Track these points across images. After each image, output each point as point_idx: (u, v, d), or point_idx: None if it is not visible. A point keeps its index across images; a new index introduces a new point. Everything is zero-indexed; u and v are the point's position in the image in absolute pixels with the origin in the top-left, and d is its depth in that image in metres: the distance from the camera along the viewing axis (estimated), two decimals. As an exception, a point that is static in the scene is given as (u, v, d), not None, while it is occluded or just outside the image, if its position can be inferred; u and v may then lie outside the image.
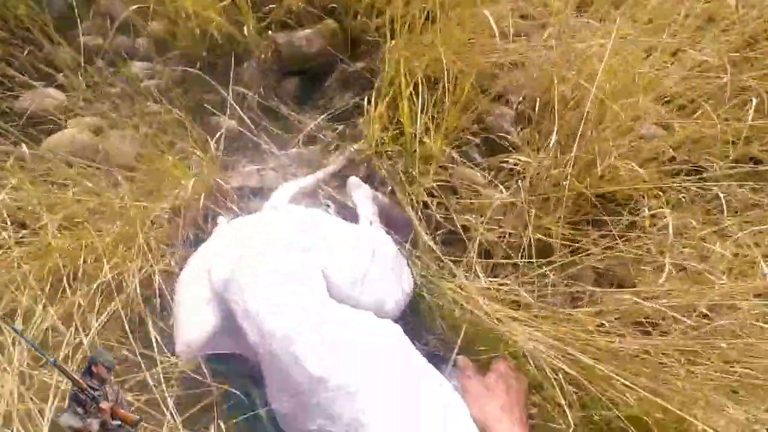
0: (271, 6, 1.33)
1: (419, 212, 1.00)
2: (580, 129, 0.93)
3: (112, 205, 1.00)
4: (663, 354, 0.79)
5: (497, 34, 1.05)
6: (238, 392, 0.76)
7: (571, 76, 1.10)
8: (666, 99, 1.12)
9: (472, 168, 1.18)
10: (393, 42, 1.09)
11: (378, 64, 1.24)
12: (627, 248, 0.89)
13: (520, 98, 1.32)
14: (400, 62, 0.98)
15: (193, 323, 0.76)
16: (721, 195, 0.97)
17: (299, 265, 0.77)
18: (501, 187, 1.12)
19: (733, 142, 1.07)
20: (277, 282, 0.74)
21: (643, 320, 0.85)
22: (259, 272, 0.75)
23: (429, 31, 1.11)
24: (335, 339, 0.71)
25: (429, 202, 1.05)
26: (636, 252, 0.90)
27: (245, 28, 1.30)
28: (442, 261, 0.94)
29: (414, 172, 1.08)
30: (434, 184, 1.08)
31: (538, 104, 1.20)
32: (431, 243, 0.96)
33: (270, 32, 1.32)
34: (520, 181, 1.09)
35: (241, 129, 1.28)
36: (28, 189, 0.97)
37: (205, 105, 1.32)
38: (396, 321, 0.83)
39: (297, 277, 0.76)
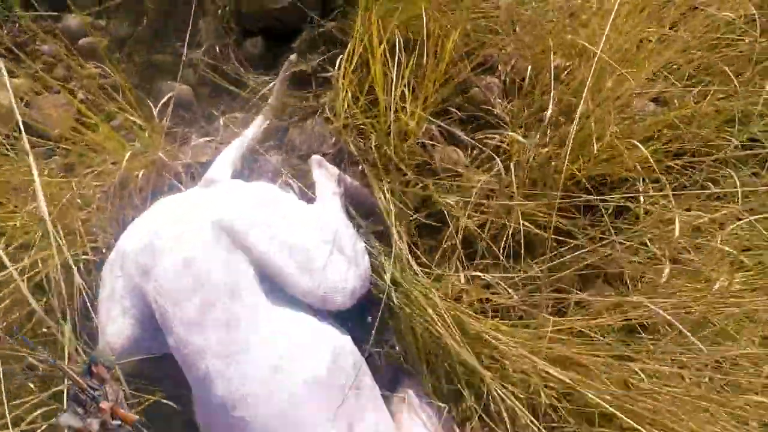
0: (228, -47, 1.15)
1: (391, 197, 0.88)
2: (581, 100, 0.82)
3: (34, 183, 0.85)
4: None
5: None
6: (170, 402, 0.66)
7: (568, 39, 0.98)
8: (670, 70, 1.01)
9: (454, 146, 1.06)
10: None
11: (352, 24, 1.08)
12: (620, 240, 0.80)
13: (509, 67, 1.19)
14: (372, 17, 0.84)
15: (112, 324, 0.66)
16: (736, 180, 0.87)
17: (227, 261, 0.66)
18: (487, 166, 1.01)
19: (740, 121, 0.98)
20: (196, 282, 0.64)
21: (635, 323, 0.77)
22: (190, 256, 0.65)
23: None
24: (254, 357, 0.61)
25: (404, 184, 0.94)
26: (629, 243, 0.81)
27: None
28: (417, 257, 0.83)
29: (389, 151, 0.96)
30: (410, 165, 0.96)
31: (528, 74, 1.08)
32: (402, 245, 0.83)
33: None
34: (508, 161, 0.98)
35: (195, 96, 1.14)
36: None
37: (154, 68, 1.16)
38: (352, 319, 0.73)
39: (225, 274, 0.66)
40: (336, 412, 0.61)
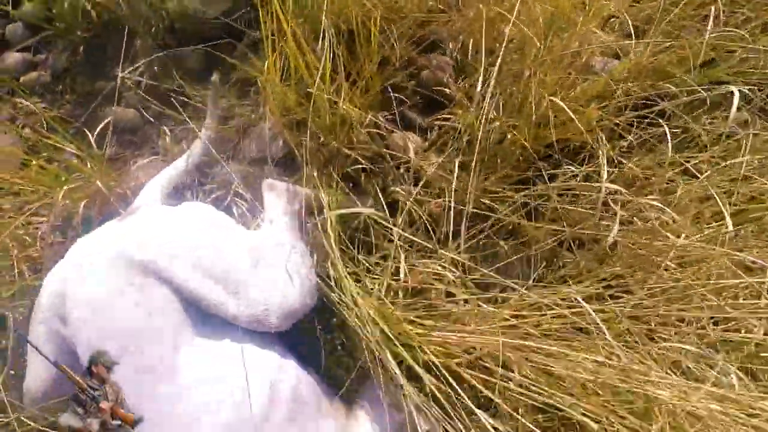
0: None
1: (333, 194, 0.85)
2: (496, 67, 0.77)
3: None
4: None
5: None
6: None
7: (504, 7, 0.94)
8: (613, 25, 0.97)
9: (404, 131, 1.02)
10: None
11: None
12: (578, 207, 0.76)
13: (459, 45, 1.16)
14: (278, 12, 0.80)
15: (32, 371, 0.64)
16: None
17: (148, 291, 0.63)
18: (443, 148, 0.97)
19: (694, 67, 0.93)
20: (114, 314, 0.61)
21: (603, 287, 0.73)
22: (96, 301, 0.62)
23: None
24: (171, 407, 0.58)
25: (354, 177, 0.91)
26: (589, 211, 0.77)
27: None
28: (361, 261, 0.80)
29: (334, 144, 0.93)
30: (360, 156, 0.93)
31: (471, 49, 1.05)
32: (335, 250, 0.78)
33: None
34: (462, 139, 0.94)
35: (141, 117, 1.12)
36: None
37: (96, 96, 1.14)
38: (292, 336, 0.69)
39: (144, 308, 0.63)
40: None
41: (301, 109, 0.94)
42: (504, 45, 0.93)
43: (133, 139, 1.10)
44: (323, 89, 0.84)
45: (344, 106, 0.88)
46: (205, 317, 0.67)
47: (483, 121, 0.93)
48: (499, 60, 0.89)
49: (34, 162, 0.87)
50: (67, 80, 1.17)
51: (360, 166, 0.92)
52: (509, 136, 0.94)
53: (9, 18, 1.23)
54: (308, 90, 0.91)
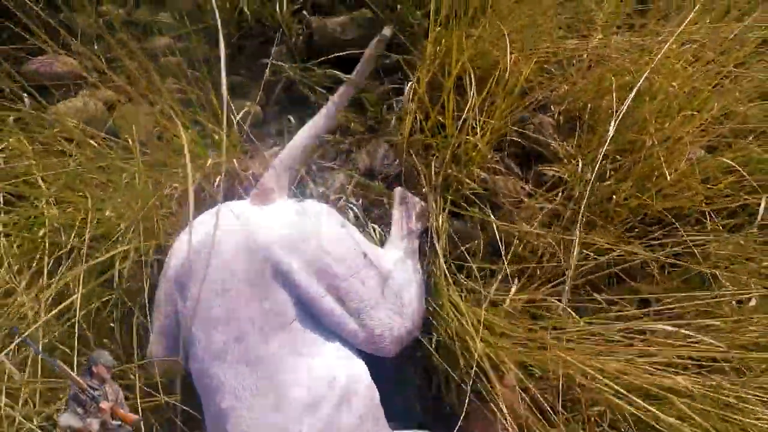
0: (305, -12, 1.26)
1: (443, 222, 0.90)
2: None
3: (118, 181, 0.89)
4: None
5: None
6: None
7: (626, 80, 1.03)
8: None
9: (512, 176, 1.09)
10: (439, 29, 1.01)
11: (417, 56, 1.15)
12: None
13: (561, 107, 1.25)
14: (450, 46, 0.90)
15: (152, 333, 0.67)
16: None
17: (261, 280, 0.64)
18: (543, 198, 1.03)
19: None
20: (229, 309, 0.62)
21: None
22: (217, 287, 0.63)
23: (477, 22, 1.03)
24: (269, 404, 0.58)
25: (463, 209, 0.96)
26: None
27: (277, 8, 1.23)
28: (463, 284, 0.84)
29: (454, 173, 0.99)
30: (471, 191, 0.98)
31: (587, 112, 1.13)
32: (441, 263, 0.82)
33: (305, 14, 1.25)
34: (564, 195, 1.00)
35: (265, 115, 1.20)
36: (25, 150, 0.87)
37: (229, 88, 1.24)
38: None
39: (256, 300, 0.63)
40: None
41: (425, 135, 1.02)
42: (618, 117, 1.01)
43: (253, 132, 1.18)
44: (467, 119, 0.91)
45: (475, 140, 0.95)
46: (309, 321, 0.66)
47: (592, 179, 1.00)
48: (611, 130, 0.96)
49: (188, 131, 0.93)
50: (203, 69, 1.28)
51: (474, 191, 0.97)
52: (614, 198, 1.00)
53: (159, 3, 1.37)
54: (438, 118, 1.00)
